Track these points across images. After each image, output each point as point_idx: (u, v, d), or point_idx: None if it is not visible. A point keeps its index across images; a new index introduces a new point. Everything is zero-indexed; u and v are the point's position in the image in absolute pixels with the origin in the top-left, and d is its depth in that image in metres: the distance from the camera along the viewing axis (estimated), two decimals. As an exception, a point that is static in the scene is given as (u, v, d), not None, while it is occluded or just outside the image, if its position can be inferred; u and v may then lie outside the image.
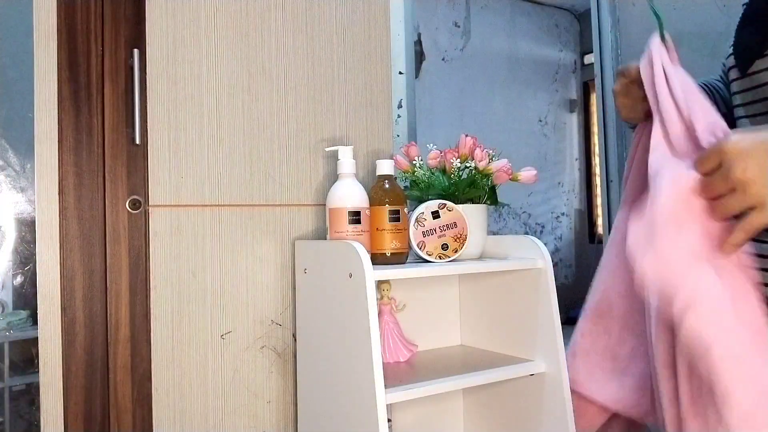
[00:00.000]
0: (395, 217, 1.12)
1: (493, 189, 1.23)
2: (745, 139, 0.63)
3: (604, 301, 1.04)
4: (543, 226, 5.42)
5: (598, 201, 5.19)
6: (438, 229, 1.12)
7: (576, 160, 5.55)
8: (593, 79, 2.23)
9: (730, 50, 0.87)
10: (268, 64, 1.26)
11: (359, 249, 0.98)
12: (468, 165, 1.20)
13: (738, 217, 0.65)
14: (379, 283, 1.22)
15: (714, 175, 0.65)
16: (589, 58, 5.55)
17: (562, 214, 5.51)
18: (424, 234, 1.12)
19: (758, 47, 0.78)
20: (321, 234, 1.31)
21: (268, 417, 1.24)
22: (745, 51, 0.81)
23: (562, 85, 5.49)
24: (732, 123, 0.84)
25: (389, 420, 1.30)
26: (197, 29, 1.19)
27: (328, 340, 1.09)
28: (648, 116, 0.89)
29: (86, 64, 1.08)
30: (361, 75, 1.38)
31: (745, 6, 0.88)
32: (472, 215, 1.17)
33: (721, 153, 0.64)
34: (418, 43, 4.58)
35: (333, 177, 1.31)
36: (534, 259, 1.14)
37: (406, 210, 1.15)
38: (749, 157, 0.61)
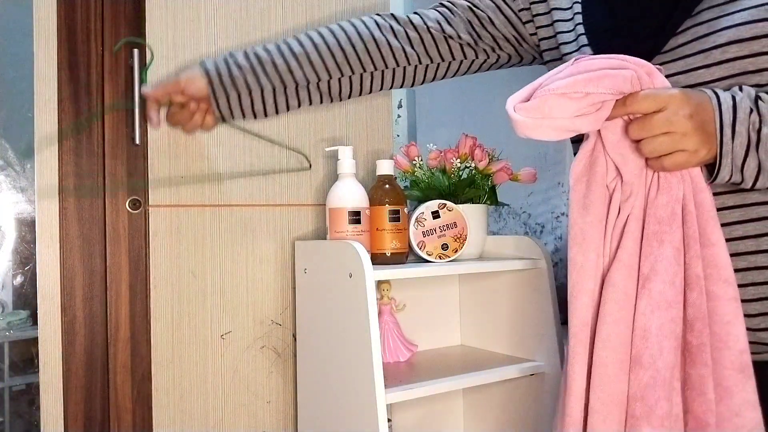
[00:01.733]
0: (395, 217, 1.12)
1: (493, 189, 1.23)
2: (692, 94, 0.69)
3: None
4: (543, 226, 5.40)
5: (598, 201, 5.16)
6: (438, 229, 1.12)
7: (576, 160, 5.54)
8: (593, 79, 2.23)
9: (572, 28, 0.88)
10: (268, 64, 1.26)
11: (359, 249, 0.98)
12: (468, 165, 1.20)
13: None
14: (379, 283, 1.22)
15: (653, 116, 0.69)
16: (589, 58, 5.54)
17: (562, 214, 5.50)
18: (424, 234, 1.12)
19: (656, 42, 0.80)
20: (321, 234, 1.31)
21: (268, 417, 1.24)
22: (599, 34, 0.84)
23: (562, 85, 5.48)
24: None
25: (389, 420, 1.30)
26: (197, 29, 1.19)
27: (328, 340, 1.09)
28: None
29: (86, 64, 1.08)
30: (361, 75, 1.37)
31: None
32: (472, 215, 1.17)
33: (669, 99, 0.69)
34: (418, 43, 4.58)
35: (333, 177, 1.31)
36: (534, 259, 1.14)
37: (406, 210, 1.15)
38: (696, 111, 0.68)
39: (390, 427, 1.29)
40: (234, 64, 0.98)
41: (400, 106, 1.49)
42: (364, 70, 1.00)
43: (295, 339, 1.25)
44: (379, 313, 1.21)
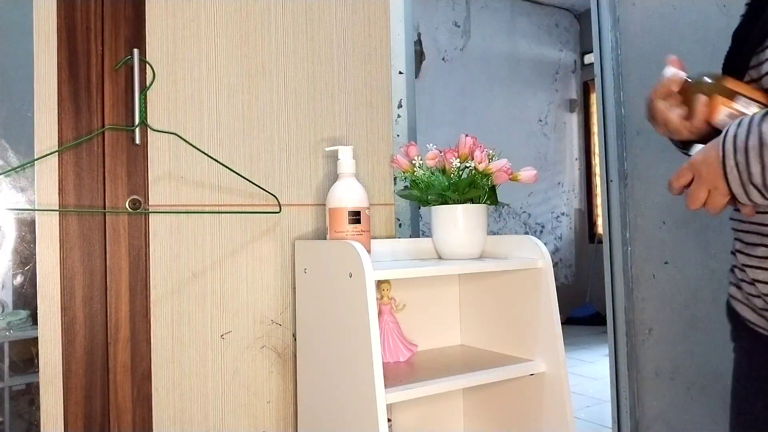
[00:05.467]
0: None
1: (493, 189, 1.23)
2: (701, 153, 0.80)
3: None
4: (543, 226, 5.42)
5: (598, 201, 5.19)
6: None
7: (576, 159, 5.56)
8: (593, 79, 2.24)
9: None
10: (268, 64, 1.26)
11: (359, 249, 0.98)
12: (468, 165, 1.20)
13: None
14: (379, 283, 1.22)
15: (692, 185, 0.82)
16: (589, 58, 5.55)
17: (562, 213, 5.51)
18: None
19: (754, 44, 0.83)
20: (321, 234, 1.31)
21: (268, 417, 1.24)
22: (742, 52, 0.85)
23: (562, 85, 5.49)
24: None
25: (389, 420, 1.30)
26: (197, 29, 1.19)
27: (328, 340, 1.09)
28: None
29: (86, 64, 1.08)
30: (361, 75, 1.38)
31: (742, 16, 0.90)
32: (472, 215, 1.17)
33: (692, 168, 0.81)
34: (418, 43, 4.58)
35: (333, 177, 1.31)
36: (534, 259, 1.14)
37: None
38: (705, 165, 0.79)
39: (390, 427, 1.29)
40: None
41: (400, 106, 1.49)
42: None
43: (295, 339, 1.25)
44: (379, 313, 1.21)
